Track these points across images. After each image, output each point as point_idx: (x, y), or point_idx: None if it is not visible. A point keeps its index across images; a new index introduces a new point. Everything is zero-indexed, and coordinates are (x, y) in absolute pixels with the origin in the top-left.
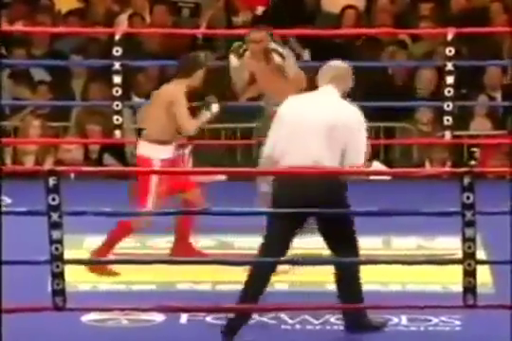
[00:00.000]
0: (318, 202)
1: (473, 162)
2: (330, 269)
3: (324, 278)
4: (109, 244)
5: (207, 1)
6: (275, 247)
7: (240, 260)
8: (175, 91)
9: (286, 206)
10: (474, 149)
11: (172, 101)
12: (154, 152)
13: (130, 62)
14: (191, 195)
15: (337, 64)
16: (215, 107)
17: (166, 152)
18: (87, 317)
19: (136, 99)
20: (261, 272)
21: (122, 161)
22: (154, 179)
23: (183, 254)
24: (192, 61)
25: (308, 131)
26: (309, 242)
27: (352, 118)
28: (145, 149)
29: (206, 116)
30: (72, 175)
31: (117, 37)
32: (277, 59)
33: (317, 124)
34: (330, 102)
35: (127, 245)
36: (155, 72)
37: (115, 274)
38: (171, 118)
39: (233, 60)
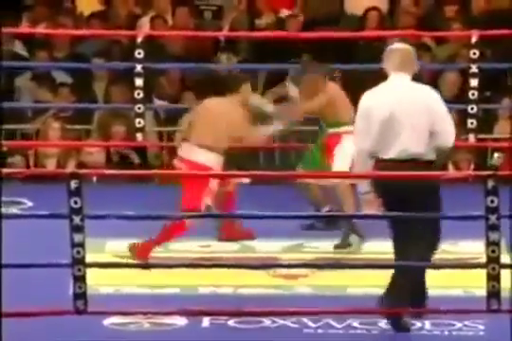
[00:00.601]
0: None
1: (496, 164)
2: (352, 273)
3: (346, 282)
4: (158, 241)
5: (229, 3)
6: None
7: (261, 264)
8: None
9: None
10: (498, 153)
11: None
12: (208, 159)
13: (152, 65)
14: (230, 186)
15: (399, 48)
16: (277, 125)
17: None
18: (109, 321)
19: (157, 102)
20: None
21: (144, 164)
22: (212, 183)
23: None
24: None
25: (400, 123)
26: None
27: (432, 100)
28: (200, 156)
29: (275, 129)
30: (94, 178)
31: (139, 39)
32: None
33: (406, 115)
34: (408, 90)
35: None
36: (176, 75)
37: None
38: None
39: (292, 88)
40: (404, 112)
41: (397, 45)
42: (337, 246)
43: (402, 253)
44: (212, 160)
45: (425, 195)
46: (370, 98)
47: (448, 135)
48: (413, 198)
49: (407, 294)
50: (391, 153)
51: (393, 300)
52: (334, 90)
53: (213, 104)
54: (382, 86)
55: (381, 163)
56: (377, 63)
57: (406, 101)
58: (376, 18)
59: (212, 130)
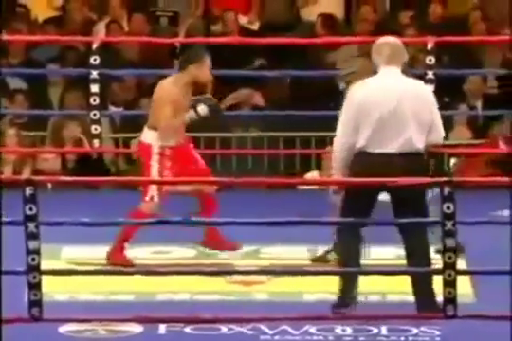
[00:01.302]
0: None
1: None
2: (308, 279)
3: (303, 288)
4: (122, 239)
5: (185, 10)
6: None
7: (218, 270)
8: (164, 88)
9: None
10: (453, 159)
11: (160, 97)
12: (151, 138)
13: (108, 71)
14: (210, 188)
15: (388, 42)
16: (202, 109)
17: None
18: (65, 328)
19: (112, 109)
20: None
21: (101, 170)
22: (154, 166)
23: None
24: (186, 55)
25: (405, 117)
26: (292, 252)
27: (430, 94)
28: (146, 135)
29: (190, 116)
30: (49, 185)
31: (94, 45)
32: None
33: (410, 109)
34: (400, 84)
35: (104, 256)
36: (132, 81)
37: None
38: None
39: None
40: (408, 105)
41: (386, 39)
42: (314, 260)
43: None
44: (150, 137)
45: (419, 192)
46: (363, 93)
47: (442, 130)
48: (411, 195)
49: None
50: (390, 147)
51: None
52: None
53: (161, 83)
54: (374, 80)
55: (375, 158)
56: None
57: (409, 95)
58: (328, 24)
59: (151, 109)
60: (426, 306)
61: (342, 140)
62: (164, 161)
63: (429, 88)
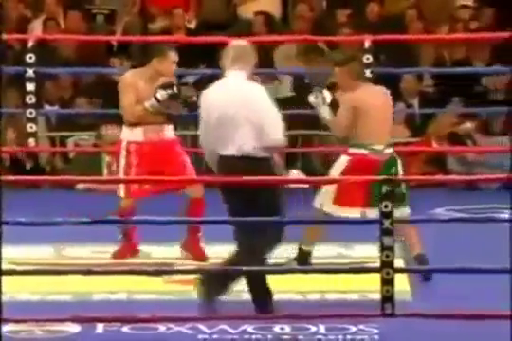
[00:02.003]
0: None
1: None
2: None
3: (242, 287)
4: (126, 238)
5: (122, 8)
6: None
7: (155, 270)
8: (124, 78)
9: None
10: None
11: (119, 88)
12: (123, 134)
13: (43, 70)
14: (198, 192)
15: (234, 45)
16: (161, 95)
17: (134, 134)
18: (2, 328)
19: (47, 107)
20: None
21: (36, 169)
22: (121, 162)
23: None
24: (150, 49)
25: (233, 120)
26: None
27: (256, 97)
28: (122, 132)
29: (151, 103)
30: None
31: (30, 43)
32: None
33: (233, 113)
34: (235, 87)
35: (43, 256)
36: (68, 79)
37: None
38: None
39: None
40: (233, 109)
41: (234, 42)
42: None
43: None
44: (123, 133)
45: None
46: (206, 96)
47: (274, 132)
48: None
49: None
50: (229, 150)
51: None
52: None
53: (121, 77)
54: (218, 83)
55: (222, 159)
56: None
57: (239, 100)
58: (264, 22)
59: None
60: (261, 305)
61: (201, 140)
62: (130, 157)
63: (261, 93)
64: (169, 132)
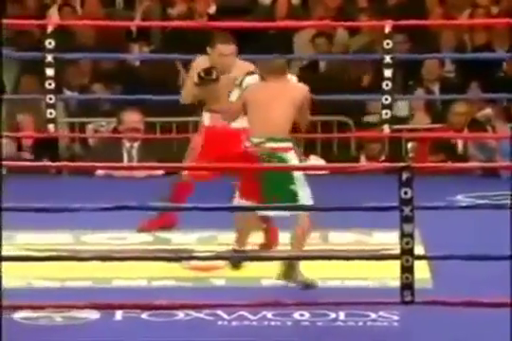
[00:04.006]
0: None
1: (411, 155)
2: (265, 265)
3: (260, 273)
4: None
5: None
6: None
7: (175, 256)
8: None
9: None
10: (411, 143)
11: None
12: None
13: (63, 55)
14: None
15: None
16: (197, 78)
17: (206, 118)
18: (20, 315)
19: (67, 93)
20: None
21: (55, 156)
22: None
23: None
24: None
25: None
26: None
27: None
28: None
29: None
30: (4, 170)
31: (49, 29)
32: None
33: None
34: None
35: (61, 241)
36: (87, 65)
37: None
38: None
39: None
40: None
41: None
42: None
43: None
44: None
45: None
46: None
47: None
48: None
49: None
50: None
51: None
52: None
53: None
54: None
55: None
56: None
57: None
58: (285, 7)
59: None
60: None
61: None
62: (200, 140)
63: None
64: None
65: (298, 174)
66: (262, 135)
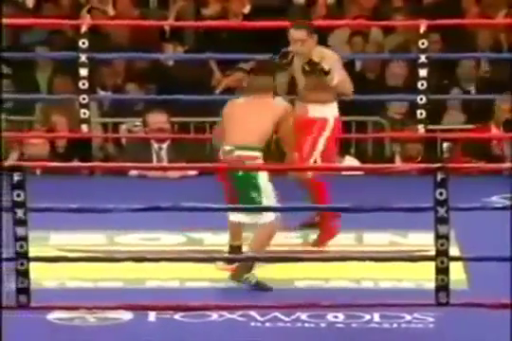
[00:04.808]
0: None
1: (446, 156)
2: (298, 266)
3: (293, 275)
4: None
5: None
6: None
7: (208, 257)
8: None
9: None
10: (446, 143)
11: None
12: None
13: (97, 55)
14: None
15: None
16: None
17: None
18: (53, 315)
19: (101, 93)
20: None
21: (89, 156)
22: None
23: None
24: None
25: None
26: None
27: None
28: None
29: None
30: (38, 171)
31: (83, 29)
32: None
33: None
34: None
35: (95, 242)
36: (121, 65)
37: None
38: None
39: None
40: None
41: None
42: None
43: None
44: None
45: None
46: None
47: None
48: None
49: None
50: None
51: None
52: None
53: None
54: None
55: None
56: None
57: None
58: (324, 7)
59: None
60: None
61: None
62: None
63: None
64: (315, 111)
65: (264, 184)
66: (232, 144)
